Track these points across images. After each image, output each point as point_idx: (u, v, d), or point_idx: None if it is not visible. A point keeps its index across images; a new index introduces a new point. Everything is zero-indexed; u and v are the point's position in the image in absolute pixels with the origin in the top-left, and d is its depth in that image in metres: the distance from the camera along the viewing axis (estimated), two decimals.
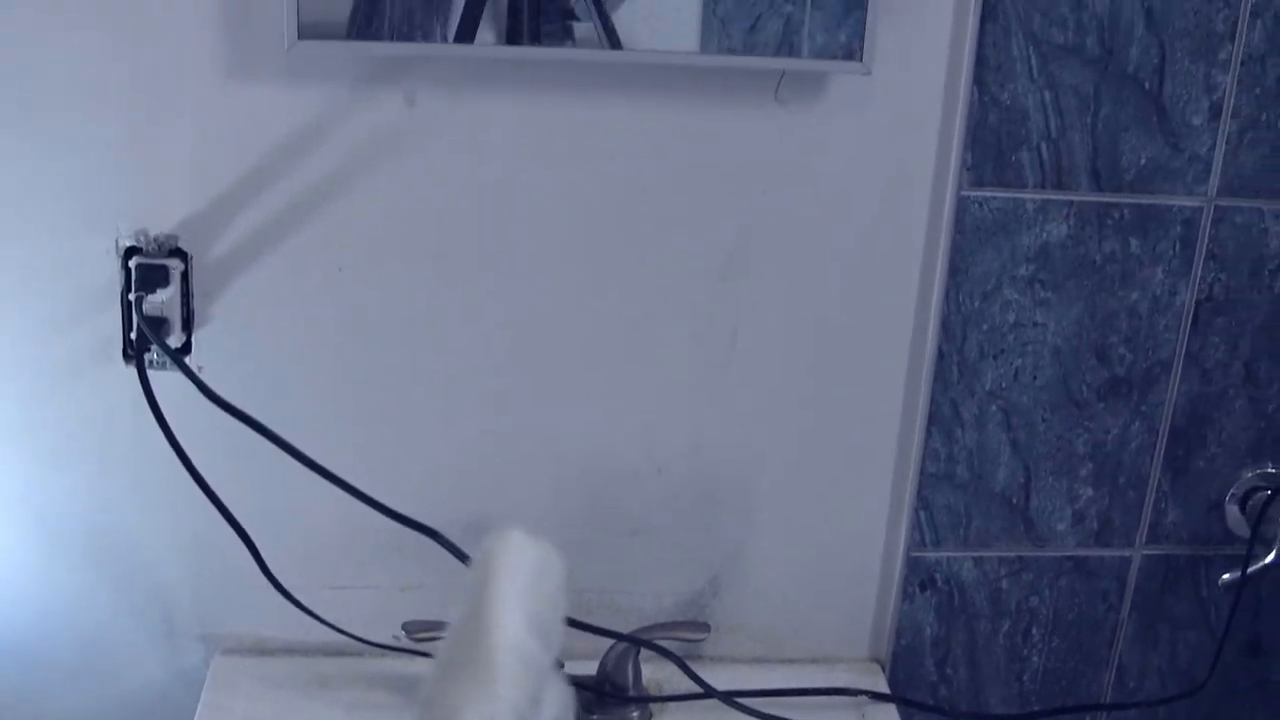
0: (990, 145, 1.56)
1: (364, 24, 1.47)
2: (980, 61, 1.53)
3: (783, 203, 1.57)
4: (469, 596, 0.89)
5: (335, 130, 1.51)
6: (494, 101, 1.51)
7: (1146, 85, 1.57)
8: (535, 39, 1.48)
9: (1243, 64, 1.58)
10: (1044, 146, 1.57)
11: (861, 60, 1.49)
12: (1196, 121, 1.59)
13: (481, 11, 1.46)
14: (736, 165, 1.55)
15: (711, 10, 1.51)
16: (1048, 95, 1.56)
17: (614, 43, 1.49)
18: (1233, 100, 1.59)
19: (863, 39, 1.48)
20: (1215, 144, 1.60)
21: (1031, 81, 1.55)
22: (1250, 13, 1.56)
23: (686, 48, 1.51)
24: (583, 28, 1.52)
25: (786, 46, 1.52)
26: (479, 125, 1.52)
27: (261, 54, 1.47)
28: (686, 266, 1.59)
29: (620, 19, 1.49)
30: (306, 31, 1.45)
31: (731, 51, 1.52)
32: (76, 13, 1.44)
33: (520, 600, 0.89)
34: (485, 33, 1.48)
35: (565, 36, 1.52)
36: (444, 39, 1.47)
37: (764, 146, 1.55)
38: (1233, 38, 1.57)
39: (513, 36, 1.47)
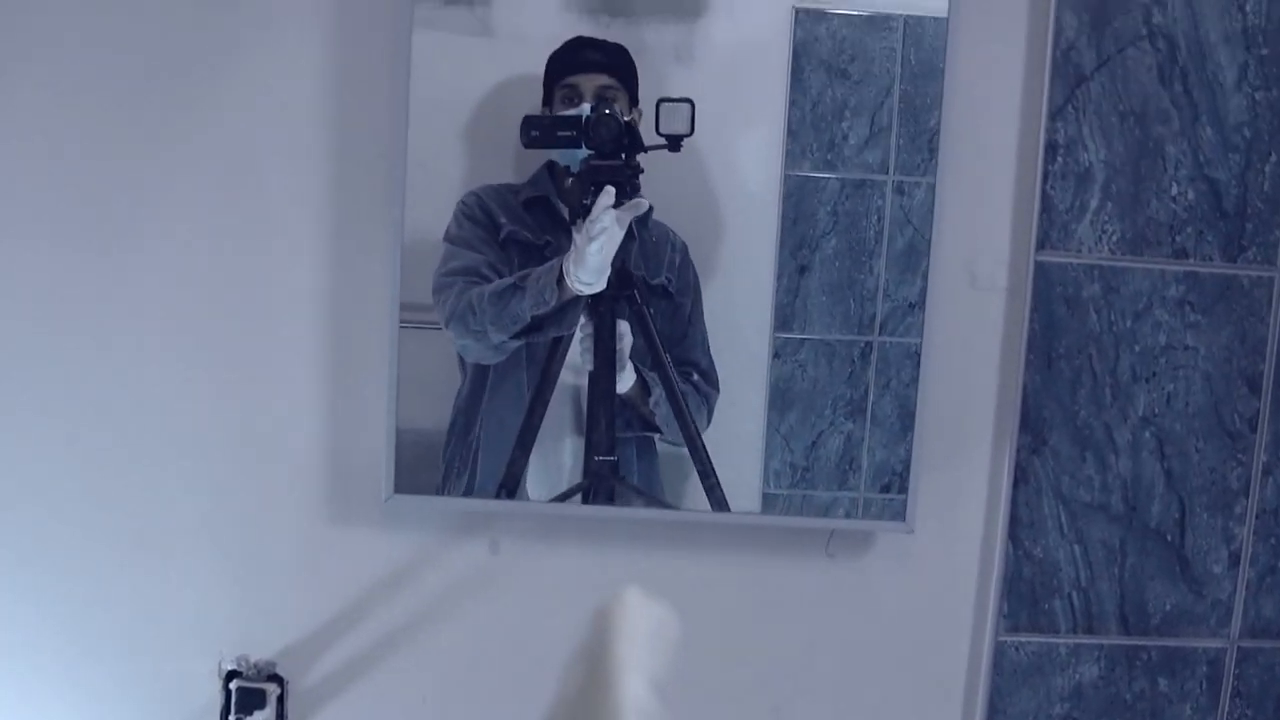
0: (1025, 594, 1.57)
1: (454, 480, 1.52)
2: (1014, 520, 1.55)
3: (832, 647, 1.58)
4: (586, 656, 0.80)
5: (424, 574, 1.54)
6: (570, 551, 1.55)
7: (1169, 537, 1.58)
8: (610, 450, 1.51)
9: (1258, 517, 1.59)
10: (1075, 595, 1.58)
11: (905, 520, 1.51)
12: (1217, 570, 1.59)
13: (524, 469, 1.50)
14: (790, 613, 1.57)
15: (775, 428, 1.55)
16: (1077, 549, 1.57)
17: (699, 454, 1.51)
18: (1250, 549, 1.59)
19: (906, 501, 1.51)
20: (1236, 590, 1.60)
21: (1062, 536, 1.56)
22: (1262, 470, 1.58)
23: (752, 475, 1.55)
24: (664, 444, 1.56)
25: (847, 461, 1.55)
26: (556, 571, 1.55)
27: (360, 504, 1.53)
28: (742, 704, 1.58)
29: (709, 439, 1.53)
30: (402, 486, 1.50)
31: (793, 466, 1.55)
32: (191, 461, 1.52)
33: (642, 660, 0.80)
34: (564, 444, 1.53)
35: (647, 447, 1.56)
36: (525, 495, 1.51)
37: (815, 596, 1.57)
38: (1247, 493, 1.58)
39: (590, 446, 1.51)
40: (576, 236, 1.44)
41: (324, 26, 1.47)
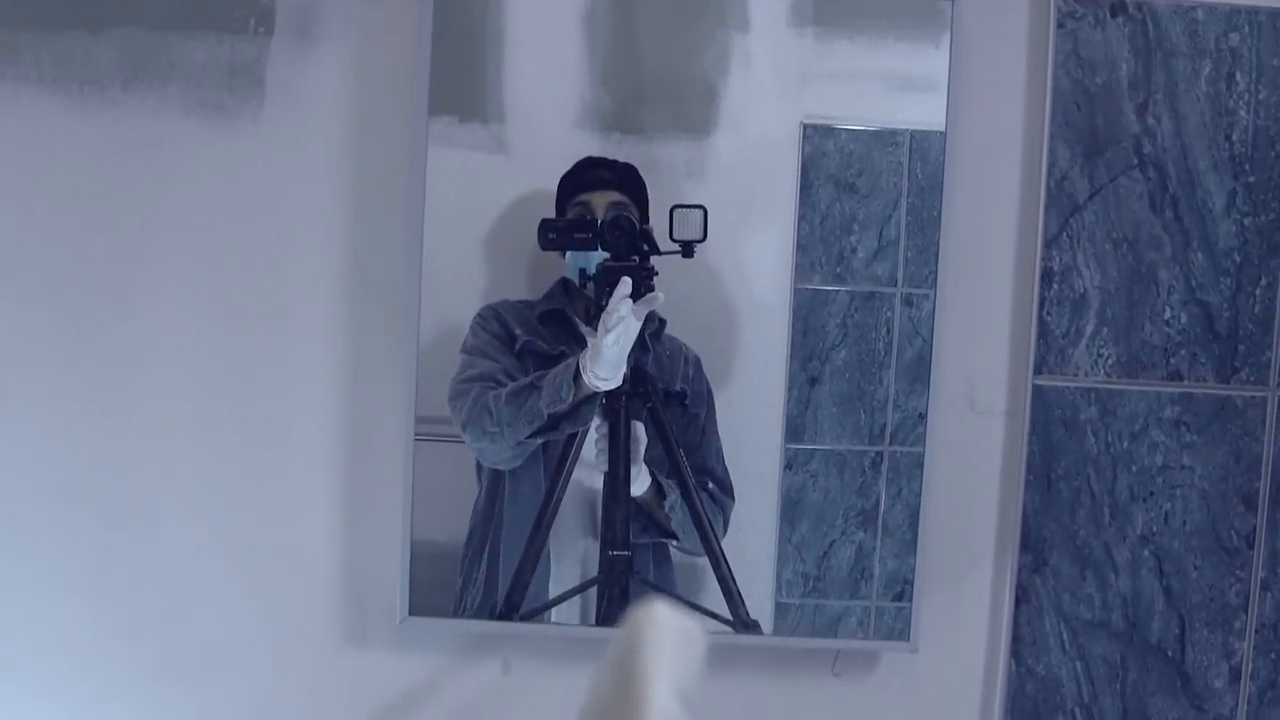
0: (1028, 711, 1.59)
1: (471, 592, 1.54)
2: (1017, 637, 1.58)
3: None
4: (614, 668, 0.81)
5: (438, 694, 1.57)
6: (581, 670, 1.53)
7: (1170, 653, 1.60)
8: (625, 545, 1.52)
9: (1257, 631, 1.61)
10: (1078, 711, 1.59)
11: (909, 639, 1.54)
12: (1218, 684, 1.61)
13: (529, 585, 1.50)
14: None
15: (787, 538, 1.57)
16: (1080, 666, 1.59)
17: (717, 560, 1.52)
18: (1251, 664, 1.61)
19: (910, 620, 1.54)
20: (1238, 704, 1.61)
21: (1064, 654, 1.58)
22: (1260, 586, 1.60)
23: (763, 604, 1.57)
24: (679, 553, 1.58)
25: (859, 571, 1.57)
26: (567, 691, 1.54)
27: (374, 626, 1.56)
28: None
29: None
30: (417, 608, 1.53)
31: (805, 576, 1.57)
32: (207, 583, 1.56)
33: (668, 672, 0.80)
34: (580, 546, 1.55)
35: (662, 555, 1.58)
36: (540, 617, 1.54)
37: (823, 714, 1.58)
38: (1246, 609, 1.60)
39: (605, 541, 1.53)
40: (591, 340, 1.47)
41: (342, 146, 1.54)
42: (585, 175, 1.54)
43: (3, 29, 1.51)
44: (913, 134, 1.57)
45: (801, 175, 1.57)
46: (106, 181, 1.52)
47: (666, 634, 0.84)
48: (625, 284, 1.44)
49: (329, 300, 1.54)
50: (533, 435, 1.49)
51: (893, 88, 1.57)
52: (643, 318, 1.45)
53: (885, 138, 1.57)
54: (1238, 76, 1.56)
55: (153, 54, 1.52)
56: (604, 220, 1.49)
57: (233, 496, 1.55)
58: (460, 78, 1.53)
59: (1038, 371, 1.55)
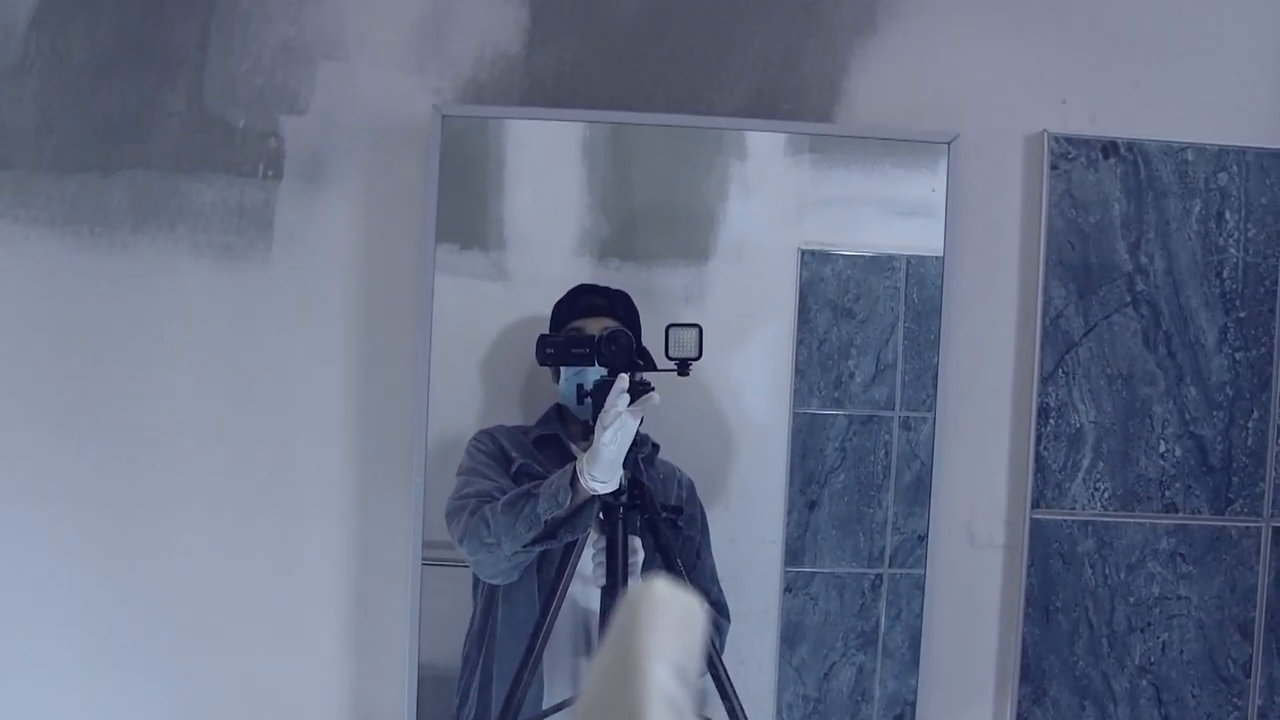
0: None
1: (467, 713, 1.54)
2: None
3: None
4: (613, 644, 0.79)
5: None
6: None
7: None
8: None
9: None
10: None
11: None
12: None
13: (523, 698, 1.43)
14: None
15: (788, 660, 1.58)
16: None
17: (720, 678, 1.47)
18: None
19: None
20: None
21: None
22: (1258, 714, 1.62)
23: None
24: None
25: (859, 692, 1.59)
26: None
27: None
28: None
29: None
30: None
31: (805, 698, 1.58)
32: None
33: (667, 649, 0.78)
34: (576, 663, 1.56)
35: None
36: None
37: None
38: None
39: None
40: (582, 456, 1.45)
41: (348, 285, 1.57)
42: (578, 301, 1.56)
43: (16, 171, 1.54)
44: (909, 259, 1.60)
45: (799, 300, 1.60)
46: (116, 321, 1.55)
47: (666, 611, 0.83)
48: (623, 380, 1.42)
49: (335, 431, 1.57)
50: (530, 544, 1.49)
51: (890, 213, 1.60)
52: (639, 418, 1.43)
53: (882, 263, 1.60)
54: (1227, 215, 1.60)
55: (163, 196, 1.55)
56: (601, 335, 1.49)
57: (243, 629, 1.56)
58: (460, 206, 1.55)
59: (1035, 505, 1.58)
